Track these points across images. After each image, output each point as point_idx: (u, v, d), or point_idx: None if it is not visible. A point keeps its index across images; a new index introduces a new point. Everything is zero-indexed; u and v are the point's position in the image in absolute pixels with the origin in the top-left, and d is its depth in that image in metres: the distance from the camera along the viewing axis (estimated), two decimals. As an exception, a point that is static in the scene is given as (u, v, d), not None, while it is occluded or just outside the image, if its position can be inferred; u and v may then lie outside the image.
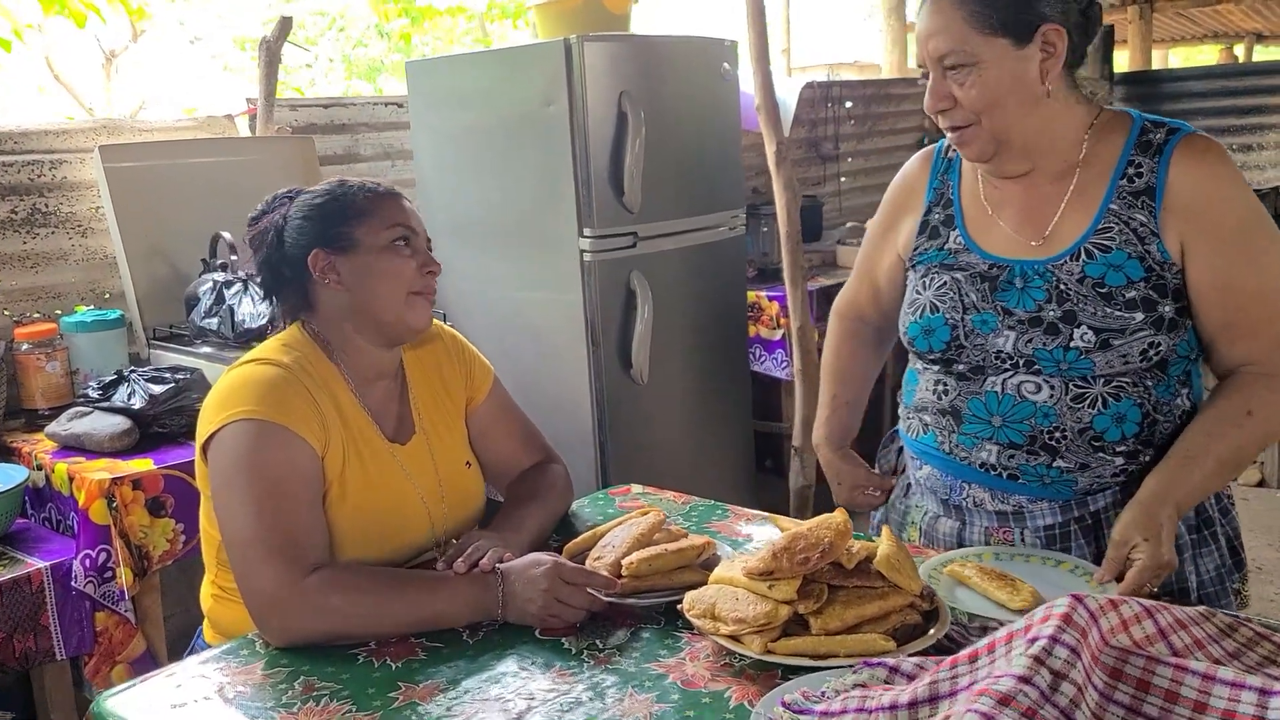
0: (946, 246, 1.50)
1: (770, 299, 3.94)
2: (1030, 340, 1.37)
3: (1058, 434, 1.38)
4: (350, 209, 1.52)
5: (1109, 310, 1.34)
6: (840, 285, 1.80)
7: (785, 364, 3.97)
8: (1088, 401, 1.37)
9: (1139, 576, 1.23)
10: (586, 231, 2.84)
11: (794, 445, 3.88)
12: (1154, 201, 1.35)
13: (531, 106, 2.87)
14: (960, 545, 1.50)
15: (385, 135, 3.64)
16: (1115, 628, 0.95)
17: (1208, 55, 12.61)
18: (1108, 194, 1.37)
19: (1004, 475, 1.44)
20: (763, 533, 1.56)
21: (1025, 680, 0.87)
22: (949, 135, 1.42)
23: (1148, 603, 0.98)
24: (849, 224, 4.87)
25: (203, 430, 1.45)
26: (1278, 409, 1.34)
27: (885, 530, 1.29)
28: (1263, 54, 12.70)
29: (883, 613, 1.21)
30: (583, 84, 2.76)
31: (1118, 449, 1.38)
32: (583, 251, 2.85)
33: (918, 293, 1.51)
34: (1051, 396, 1.38)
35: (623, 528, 1.49)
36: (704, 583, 1.35)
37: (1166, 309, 1.34)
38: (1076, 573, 1.33)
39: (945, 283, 1.47)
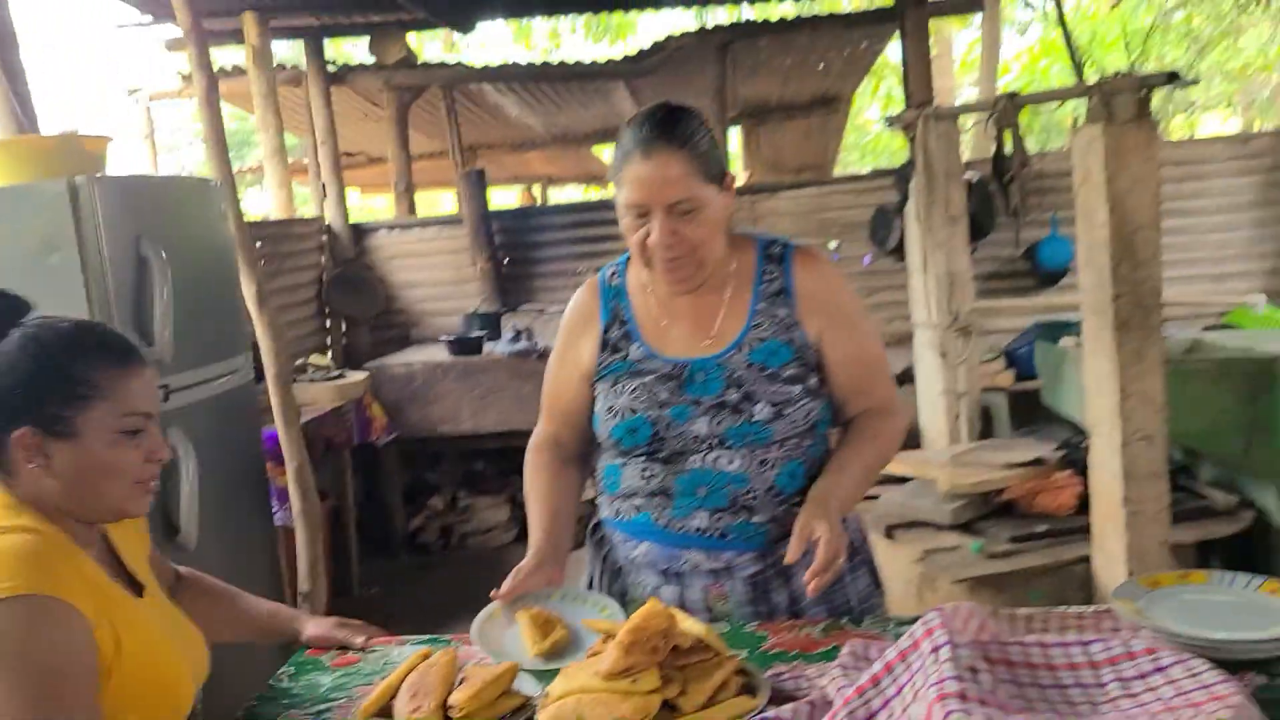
0: (630, 357, 1.73)
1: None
2: (720, 421, 1.66)
3: (751, 495, 1.67)
4: (77, 385, 1.30)
5: (776, 387, 1.66)
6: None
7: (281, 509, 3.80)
8: (769, 465, 1.68)
9: (827, 549, 1.52)
10: (114, 390, 2.52)
11: (301, 591, 3.73)
12: (789, 298, 1.71)
13: (29, 256, 2.49)
14: (681, 609, 1.64)
15: None
16: (967, 629, 1.25)
17: (512, 196, 14.57)
18: (754, 297, 1.72)
19: (716, 535, 1.69)
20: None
21: (960, 679, 1.11)
22: (666, 265, 1.63)
23: (967, 607, 1.30)
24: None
25: None
26: (892, 431, 1.79)
27: (654, 601, 1.44)
28: (555, 194, 15.00)
29: (727, 678, 1.37)
30: (96, 228, 2.48)
31: (794, 501, 1.70)
32: (111, 412, 2.52)
33: (613, 400, 1.72)
34: (742, 465, 1.67)
35: (416, 673, 1.45)
36: (524, 705, 1.39)
37: (813, 381, 1.71)
38: (605, 612, 1.58)
39: (637, 387, 1.70)
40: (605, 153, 12.86)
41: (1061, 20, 3.06)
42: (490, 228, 6.34)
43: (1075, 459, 3.42)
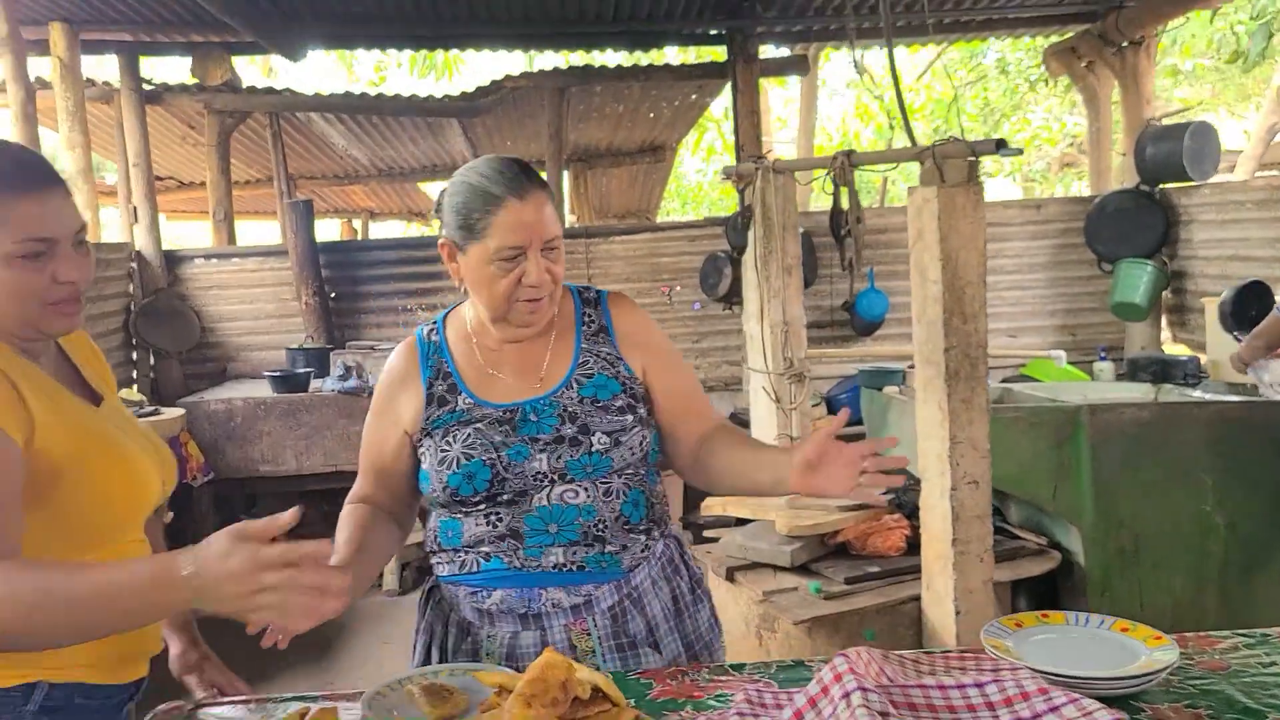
0: (458, 408, 1.73)
1: None
2: (560, 456, 1.68)
3: (600, 525, 1.70)
4: None
5: (610, 417, 1.71)
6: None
7: None
8: (614, 494, 1.71)
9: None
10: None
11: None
12: (610, 336, 1.81)
13: None
14: (541, 650, 1.64)
15: None
16: (869, 673, 1.29)
17: (333, 229, 14.15)
18: (577, 338, 1.79)
19: (574, 569, 1.70)
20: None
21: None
22: (530, 305, 1.68)
23: (865, 652, 1.34)
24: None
25: None
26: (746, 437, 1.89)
27: (550, 651, 1.43)
28: (377, 228, 14.69)
29: (626, 727, 1.37)
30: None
31: (640, 528, 1.75)
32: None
33: (444, 450, 1.70)
34: (589, 497, 1.69)
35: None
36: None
37: (642, 411, 1.76)
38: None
39: (469, 434, 1.69)
40: (430, 188, 12.71)
41: (898, 90, 3.26)
42: (318, 260, 6.15)
43: (903, 502, 3.59)
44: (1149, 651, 1.46)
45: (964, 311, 3.03)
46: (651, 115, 8.14)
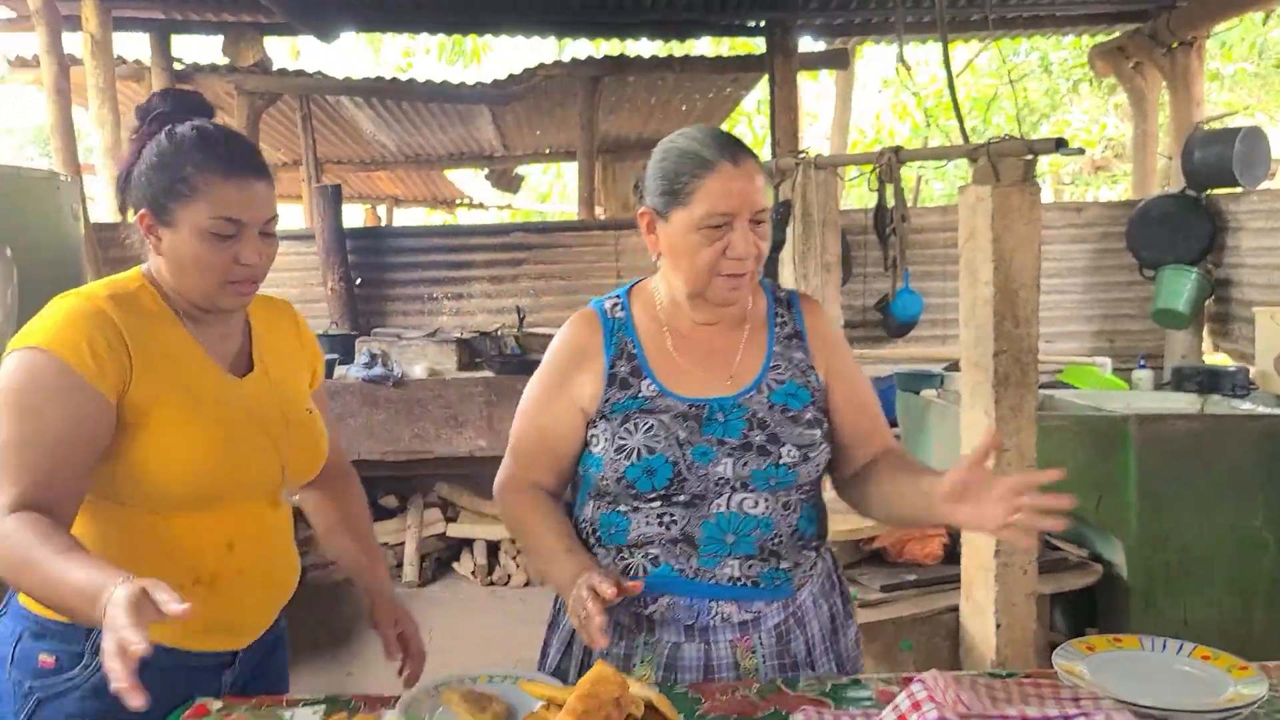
0: (641, 394, 1.61)
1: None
2: (746, 464, 1.57)
3: (776, 539, 1.59)
4: (181, 184, 1.42)
5: (801, 430, 1.60)
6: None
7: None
8: (792, 508, 1.61)
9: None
10: (-58, 403, 2.22)
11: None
12: (802, 342, 1.68)
13: None
14: (706, 666, 1.60)
15: None
16: (946, 700, 1.20)
17: (356, 215, 14.08)
18: (769, 339, 1.67)
19: (748, 584, 1.59)
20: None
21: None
22: (731, 281, 1.56)
23: (943, 676, 1.25)
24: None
25: (8, 348, 1.43)
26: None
27: (602, 664, 1.35)
28: (402, 215, 14.63)
29: (679, 748, 1.29)
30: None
31: (812, 544, 1.65)
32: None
33: (623, 439, 1.58)
34: (767, 509, 1.58)
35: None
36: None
37: (826, 426, 1.65)
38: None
39: (652, 425, 1.58)
40: (456, 175, 12.65)
41: (951, 85, 3.15)
42: (344, 246, 6.08)
43: (941, 509, 3.49)
44: (1234, 683, 1.38)
45: (1016, 315, 2.93)
46: (684, 108, 8.05)
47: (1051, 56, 10.99)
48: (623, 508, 1.62)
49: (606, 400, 1.63)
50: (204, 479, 1.47)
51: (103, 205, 5.72)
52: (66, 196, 2.76)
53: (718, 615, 1.61)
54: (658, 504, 1.59)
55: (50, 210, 2.71)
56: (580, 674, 1.65)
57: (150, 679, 1.26)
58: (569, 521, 1.68)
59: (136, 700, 1.10)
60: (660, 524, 1.60)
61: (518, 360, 5.32)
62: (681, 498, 1.58)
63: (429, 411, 5.04)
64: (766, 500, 1.60)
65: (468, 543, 5.31)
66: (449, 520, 5.35)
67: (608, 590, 1.40)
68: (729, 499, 1.59)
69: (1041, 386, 4.72)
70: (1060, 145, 2.79)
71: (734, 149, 1.55)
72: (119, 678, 1.10)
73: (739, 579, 1.60)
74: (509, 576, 5.23)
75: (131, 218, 1.52)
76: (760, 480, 1.59)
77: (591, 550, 1.65)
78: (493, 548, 5.30)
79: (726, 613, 1.61)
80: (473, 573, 5.26)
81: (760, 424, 1.60)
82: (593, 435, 1.63)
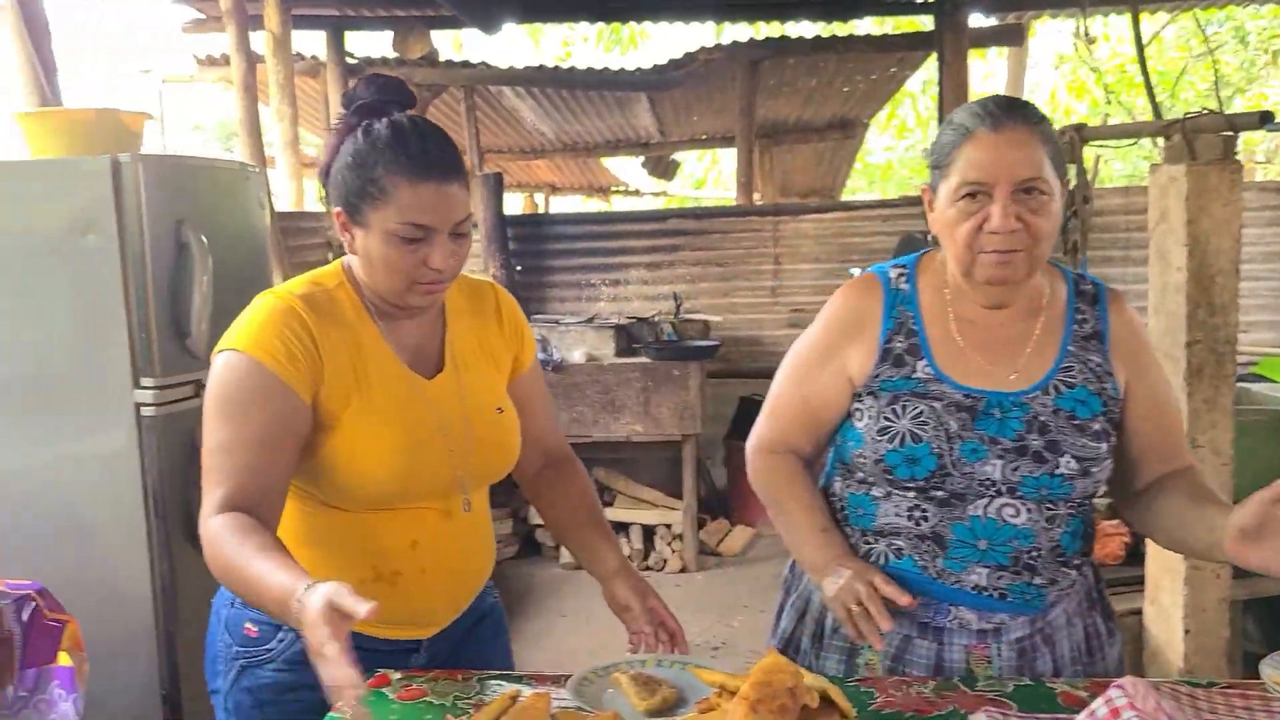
0: (915, 375, 1.52)
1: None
2: (1018, 468, 1.46)
3: (1034, 553, 1.49)
4: (372, 185, 1.42)
5: (1085, 441, 1.47)
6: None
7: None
8: (1057, 522, 1.49)
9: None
10: (145, 381, 2.37)
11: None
12: (1102, 344, 1.53)
13: (62, 235, 2.34)
14: (937, 666, 1.53)
15: None
16: (1146, 707, 1.12)
17: (515, 203, 14.39)
18: (1065, 335, 1.53)
19: (994, 595, 1.50)
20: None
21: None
22: (996, 258, 1.43)
23: (1141, 683, 1.17)
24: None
25: (216, 348, 1.47)
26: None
27: (774, 653, 1.31)
28: (557, 203, 14.88)
29: (856, 743, 1.25)
30: (138, 210, 2.34)
31: (1073, 562, 1.54)
32: (140, 405, 2.37)
33: (889, 420, 1.51)
34: (1030, 519, 1.48)
35: (509, 717, 1.32)
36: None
37: (1114, 439, 1.51)
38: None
39: (922, 411, 1.49)
40: (613, 163, 12.76)
41: (1141, 57, 2.96)
42: (506, 234, 6.21)
43: (1123, 506, 3.31)
44: None
45: (1212, 303, 2.74)
46: (845, 90, 7.87)
47: (1249, 26, 10.22)
48: (875, 492, 1.55)
49: (876, 375, 1.54)
50: (385, 482, 1.48)
51: (283, 196, 6.02)
52: (255, 187, 2.90)
53: (955, 620, 1.53)
54: (913, 495, 1.51)
55: (240, 201, 2.85)
56: (814, 644, 1.64)
57: None
58: (821, 495, 1.63)
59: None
60: (910, 517, 1.52)
61: (674, 346, 5.32)
62: (939, 494, 1.50)
63: (586, 396, 5.10)
64: (1031, 511, 1.49)
65: (623, 527, 5.35)
66: (606, 504, 5.41)
67: (904, 600, 1.41)
68: (990, 503, 1.49)
69: (1236, 379, 4.41)
70: (1266, 120, 2.58)
71: (998, 115, 1.42)
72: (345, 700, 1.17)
73: (985, 589, 1.51)
74: (664, 561, 5.25)
75: (326, 208, 1.53)
76: (1030, 488, 1.48)
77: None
78: (648, 532, 5.33)
79: (965, 619, 1.53)
80: (629, 557, 5.30)
81: (1041, 428, 1.48)
82: (857, 409, 1.56)
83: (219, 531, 1.34)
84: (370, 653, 1.53)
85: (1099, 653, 1.60)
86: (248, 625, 1.54)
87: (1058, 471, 1.46)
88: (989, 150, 1.41)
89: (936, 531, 1.51)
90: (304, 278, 1.55)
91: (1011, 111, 1.44)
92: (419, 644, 1.61)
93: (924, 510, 1.51)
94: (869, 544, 1.57)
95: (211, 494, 1.38)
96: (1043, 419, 1.49)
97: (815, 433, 1.63)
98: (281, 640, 1.52)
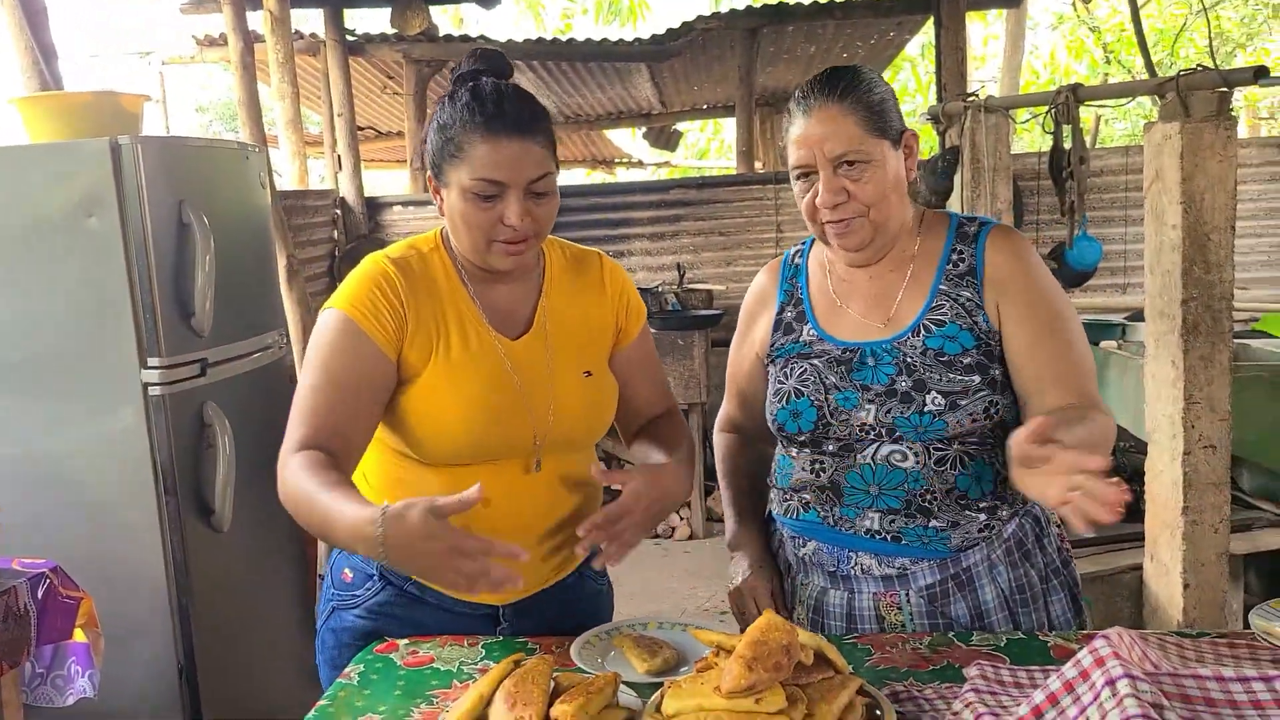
0: (801, 339, 1.65)
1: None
2: (889, 410, 1.53)
3: (929, 496, 1.54)
4: (450, 144, 1.47)
5: (951, 376, 1.52)
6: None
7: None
8: (949, 464, 1.54)
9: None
10: (152, 361, 2.41)
11: (321, 575, 3.63)
12: (976, 279, 1.57)
13: (64, 217, 2.37)
14: (849, 615, 1.61)
15: None
16: (1132, 657, 1.15)
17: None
18: (937, 277, 1.59)
19: (889, 539, 1.57)
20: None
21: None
22: (833, 228, 1.54)
23: (1127, 633, 1.20)
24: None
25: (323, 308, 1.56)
26: (1105, 423, 1.50)
27: (770, 613, 1.35)
28: (560, 176, 14.73)
29: (851, 699, 1.28)
30: (139, 192, 2.36)
31: (980, 505, 1.56)
32: (147, 385, 2.41)
33: (780, 382, 1.63)
34: (917, 462, 1.54)
35: (513, 681, 1.35)
36: (631, 718, 1.30)
37: (996, 372, 1.54)
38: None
39: (805, 370, 1.61)
40: (615, 134, 12.73)
41: (1135, 15, 2.96)
42: (509, 207, 6.22)
43: (1122, 464, 3.33)
44: None
45: (1207, 260, 2.75)
46: (845, 55, 7.83)
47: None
48: (793, 451, 1.65)
49: (773, 344, 1.68)
50: (459, 436, 1.52)
51: (286, 175, 6.03)
52: (255, 167, 2.92)
53: (857, 566, 1.60)
54: (809, 450, 1.62)
55: (240, 180, 2.87)
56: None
57: (425, 618, 1.58)
58: (750, 478, 1.79)
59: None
60: (811, 471, 1.62)
61: (678, 316, 5.34)
62: (830, 445, 1.59)
63: (593, 368, 5.12)
64: (917, 454, 1.54)
65: (632, 496, 5.38)
66: (613, 474, 5.44)
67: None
68: (877, 449, 1.56)
69: (1235, 336, 4.42)
70: (1260, 75, 2.58)
71: (808, 98, 1.52)
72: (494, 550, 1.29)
73: (878, 532, 1.58)
74: (673, 530, 5.30)
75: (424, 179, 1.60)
76: (907, 429, 1.54)
77: (771, 488, 1.74)
78: (657, 502, 5.36)
79: (866, 564, 1.60)
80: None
81: (909, 369, 1.55)
82: (768, 380, 1.69)
83: (294, 467, 1.41)
84: (454, 616, 1.61)
85: (1034, 604, 1.60)
86: (345, 570, 1.62)
87: (925, 409, 1.52)
88: (804, 134, 1.52)
89: (833, 481, 1.60)
90: (403, 242, 1.62)
91: (821, 90, 1.52)
92: (498, 611, 1.63)
93: (821, 463, 1.61)
94: (786, 500, 1.68)
95: (292, 434, 1.46)
96: (909, 360, 1.55)
97: (747, 405, 1.78)
98: (369, 588, 1.60)
